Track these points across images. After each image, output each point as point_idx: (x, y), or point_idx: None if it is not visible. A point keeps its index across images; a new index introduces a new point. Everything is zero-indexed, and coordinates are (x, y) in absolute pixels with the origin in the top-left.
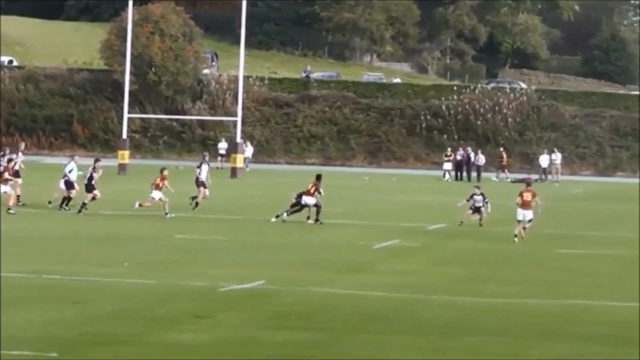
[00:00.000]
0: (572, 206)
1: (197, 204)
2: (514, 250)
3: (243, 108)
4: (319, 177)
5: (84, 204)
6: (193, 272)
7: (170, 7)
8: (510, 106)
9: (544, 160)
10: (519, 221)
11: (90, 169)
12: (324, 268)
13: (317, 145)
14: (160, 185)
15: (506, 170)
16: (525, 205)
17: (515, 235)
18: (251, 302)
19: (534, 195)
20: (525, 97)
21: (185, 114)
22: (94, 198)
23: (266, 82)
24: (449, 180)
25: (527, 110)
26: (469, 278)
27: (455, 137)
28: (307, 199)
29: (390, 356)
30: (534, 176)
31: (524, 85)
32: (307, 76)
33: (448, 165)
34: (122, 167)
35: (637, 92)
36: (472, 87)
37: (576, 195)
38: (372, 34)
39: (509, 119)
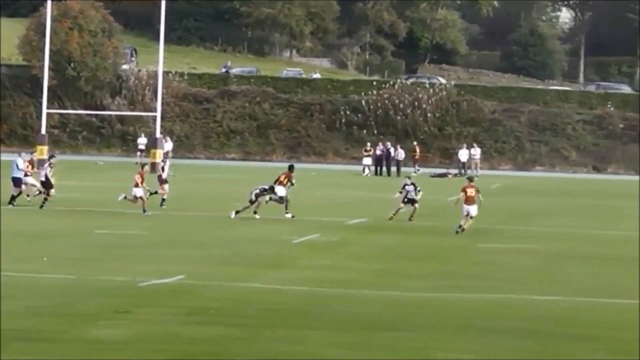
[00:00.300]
0: (491, 201)
1: (163, 200)
2: (435, 244)
3: (162, 103)
4: (291, 168)
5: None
6: (113, 268)
7: (89, 2)
8: (430, 101)
9: (463, 154)
10: (466, 216)
11: (46, 165)
12: (244, 263)
13: (236, 141)
14: (141, 182)
15: (417, 165)
16: (469, 200)
17: (460, 226)
18: (171, 297)
19: (477, 191)
20: (444, 92)
21: (104, 110)
22: (48, 195)
23: (186, 77)
24: (369, 175)
25: (446, 105)
26: (389, 272)
27: (375, 132)
28: (278, 189)
29: (310, 351)
30: (453, 170)
31: (443, 81)
32: (227, 71)
33: (368, 160)
34: (41, 163)
35: (556, 87)
36: (391, 83)
37: (495, 189)
38: (291, 29)
39: (429, 114)
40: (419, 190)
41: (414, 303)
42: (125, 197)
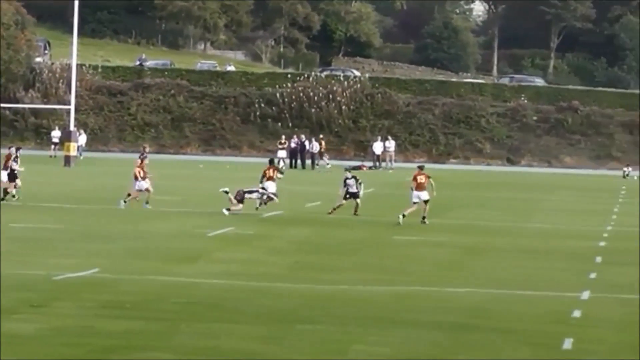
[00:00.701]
0: (406, 193)
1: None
2: (351, 237)
3: (76, 96)
4: (272, 162)
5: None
6: (27, 261)
7: None
8: (344, 94)
9: (377, 147)
10: (415, 203)
11: (13, 157)
12: (160, 256)
13: (151, 134)
14: (143, 174)
15: (324, 157)
16: (420, 187)
17: (404, 215)
18: (86, 291)
19: (427, 177)
20: (359, 85)
21: (17, 103)
22: (15, 187)
23: (99, 70)
24: (284, 167)
25: (360, 98)
26: (305, 265)
27: (290, 124)
28: (268, 185)
29: (226, 345)
30: (368, 163)
31: (357, 73)
32: (141, 64)
33: (282, 153)
34: None
35: (470, 80)
36: (306, 75)
37: (410, 182)
38: (205, 22)
39: (343, 107)
40: (360, 184)
41: (330, 296)
42: (130, 198)
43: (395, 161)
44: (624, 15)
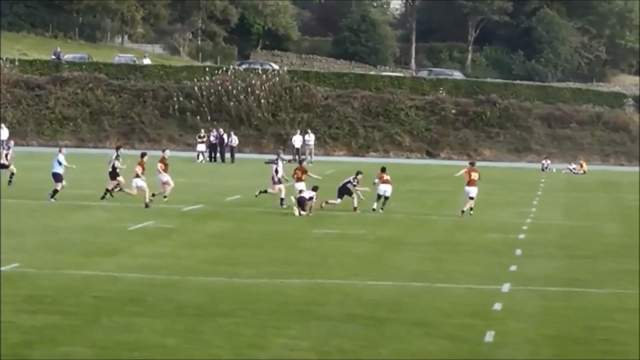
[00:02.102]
0: (326, 187)
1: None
2: (271, 231)
3: None
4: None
5: (109, 190)
6: None
7: None
8: (263, 87)
9: (297, 140)
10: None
11: (113, 157)
12: (80, 250)
13: (69, 127)
14: (142, 172)
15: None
16: (471, 183)
17: (463, 212)
18: (6, 286)
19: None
20: (277, 79)
21: None
22: (118, 184)
23: (17, 64)
24: (203, 161)
25: (279, 91)
26: (225, 259)
27: (209, 118)
28: (298, 185)
29: (146, 339)
30: (287, 156)
31: (276, 67)
32: (58, 58)
33: (201, 147)
34: None
35: (388, 73)
36: (224, 69)
37: (330, 175)
38: (123, 15)
39: (262, 100)
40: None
41: (249, 290)
42: (121, 190)
43: (315, 154)
44: (540, 8)
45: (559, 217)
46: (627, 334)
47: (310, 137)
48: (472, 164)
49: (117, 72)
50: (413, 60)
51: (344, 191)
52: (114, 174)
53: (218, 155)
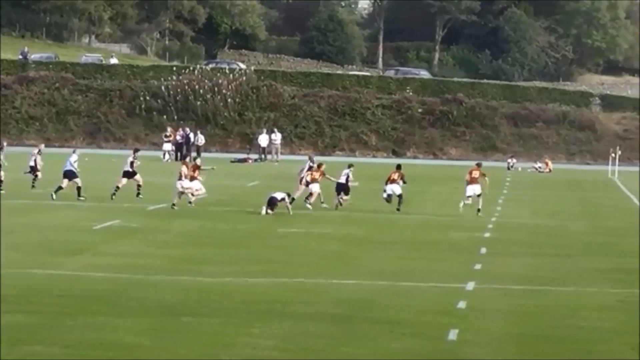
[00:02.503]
0: (292, 186)
1: None
2: (237, 229)
3: None
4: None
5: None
6: None
7: None
8: (230, 86)
9: (263, 140)
10: (469, 197)
11: (131, 157)
12: (44, 250)
13: (35, 127)
14: (195, 175)
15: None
16: (473, 181)
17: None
18: None
19: (483, 174)
20: (244, 78)
21: None
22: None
23: None
24: (169, 160)
25: (246, 91)
26: (190, 258)
27: (175, 117)
28: (313, 187)
29: (111, 338)
30: (254, 156)
31: (243, 66)
32: (25, 58)
33: (168, 146)
34: None
35: (355, 73)
36: (191, 68)
37: (296, 174)
38: (90, 14)
39: (229, 99)
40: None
41: (214, 288)
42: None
43: (282, 154)
44: (508, 8)
45: (524, 215)
46: (591, 332)
47: (277, 136)
48: (478, 164)
49: (84, 72)
50: (380, 60)
51: (343, 188)
52: (129, 174)
53: (185, 154)
